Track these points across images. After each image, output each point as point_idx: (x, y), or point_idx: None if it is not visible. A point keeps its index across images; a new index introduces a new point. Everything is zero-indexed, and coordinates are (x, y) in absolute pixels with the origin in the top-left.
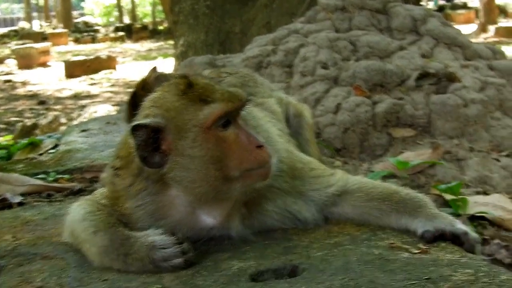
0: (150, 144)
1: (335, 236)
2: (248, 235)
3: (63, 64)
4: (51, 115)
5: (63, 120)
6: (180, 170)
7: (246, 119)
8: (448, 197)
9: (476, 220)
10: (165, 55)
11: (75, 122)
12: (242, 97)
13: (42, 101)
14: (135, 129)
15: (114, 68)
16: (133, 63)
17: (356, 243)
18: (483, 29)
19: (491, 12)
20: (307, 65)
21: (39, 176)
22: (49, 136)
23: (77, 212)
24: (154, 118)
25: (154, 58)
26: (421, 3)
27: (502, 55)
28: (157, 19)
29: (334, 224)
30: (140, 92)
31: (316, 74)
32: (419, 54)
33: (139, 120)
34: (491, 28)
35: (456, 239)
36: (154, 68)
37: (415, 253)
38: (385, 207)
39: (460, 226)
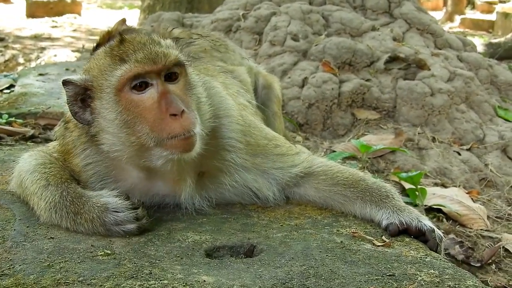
0: (79, 100)
1: (296, 218)
2: (204, 206)
3: (24, 3)
4: (8, 53)
5: (21, 60)
6: (102, 132)
7: (190, 82)
8: (407, 185)
9: (432, 212)
10: (131, 6)
11: (33, 64)
12: (158, 59)
13: (0, 38)
14: (65, 84)
15: (78, 13)
16: (98, 10)
17: (317, 227)
18: (449, 18)
19: (459, 2)
20: (277, 34)
21: None
22: (5, 76)
23: (27, 162)
24: (82, 75)
25: (120, 8)
26: None
27: (472, 47)
28: None
29: (295, 204)
30: (105, 43)
31: (285, 45)
32: (390, 37)
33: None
34: (457, 18)
35: (421, 235)
36: (123, 20)
37: (378, 246)
38: (350, 194)
39: (427, 222)
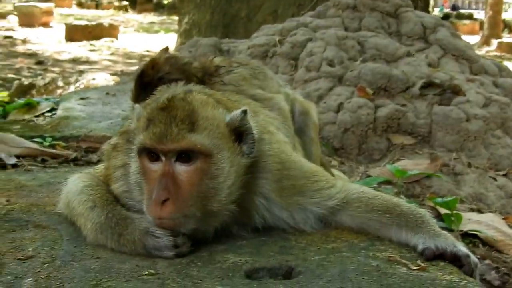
0: None
1: (333, 242)
2: (242, 232)
3: (64, 27)
4: (48, 76)
5: (60, 83)
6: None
7: (209, 170)
8: (443, 211)
9: (468, 237)
10: (167, 30)
11: (72, 87)
12: (165, 140)
13: (40, 61)
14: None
15: (116, 37)
16: (135, 34)
17: (353, 251)
18: (486, 42)
19: (496, 26)
20: (313, 60)
21: (35, 140)
22: (47, 99)
23: (75, 184)
24: (139, 112)
25: (156, 32)
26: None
27: (507, 73)
28: None
29: (331, 228)
30: (149, 71)
31: (321, 70)
32: (425, 62)
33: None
34: (494, 42)
35: (456, 260)
36: (166, 49)
37: (414, 270)
38: (385, 219)
39: (462, 248)
